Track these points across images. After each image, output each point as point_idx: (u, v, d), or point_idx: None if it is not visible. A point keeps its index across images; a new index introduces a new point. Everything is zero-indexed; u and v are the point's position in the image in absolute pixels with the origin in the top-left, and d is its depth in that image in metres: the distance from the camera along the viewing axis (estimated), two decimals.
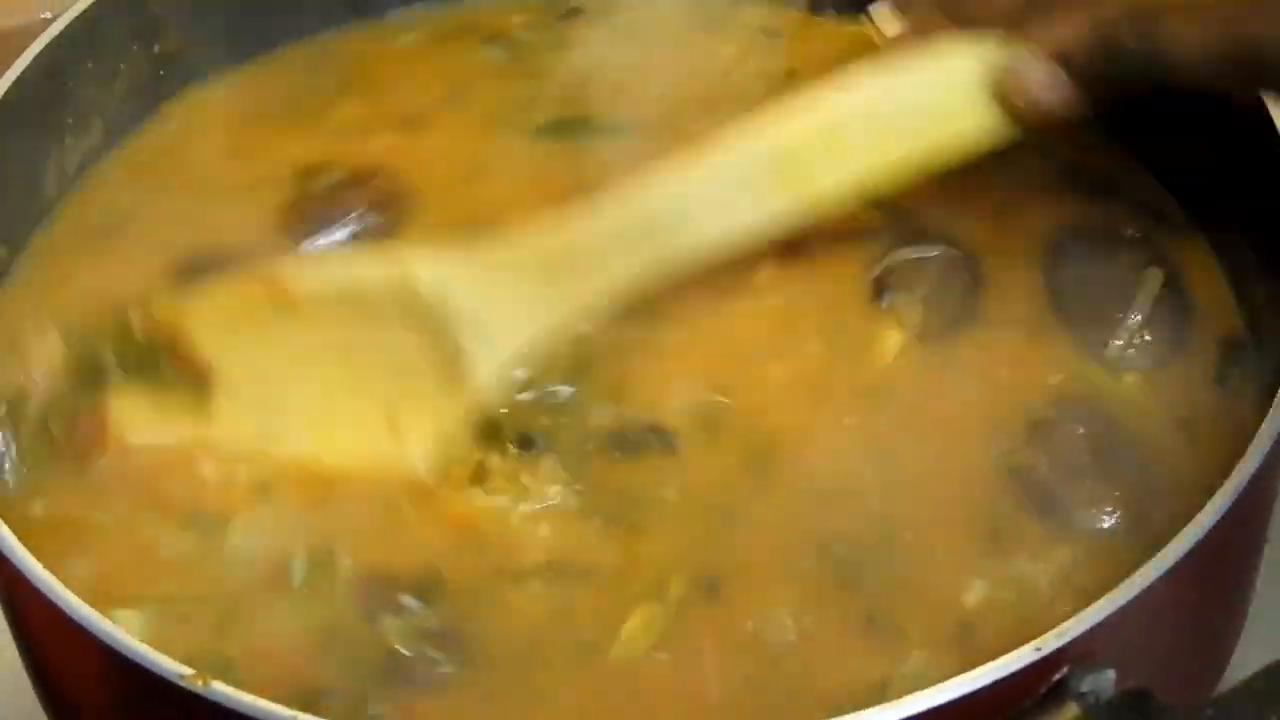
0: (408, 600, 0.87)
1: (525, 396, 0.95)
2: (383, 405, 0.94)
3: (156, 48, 1.11)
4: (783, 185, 0.93)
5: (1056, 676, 0.77)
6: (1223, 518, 0.80)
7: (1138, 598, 0.78)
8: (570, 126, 1.10)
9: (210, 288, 0.96)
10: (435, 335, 0.94)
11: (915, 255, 1.00)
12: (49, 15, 1.13)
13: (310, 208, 1.05)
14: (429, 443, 0.93)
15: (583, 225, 0.95)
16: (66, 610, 0.80)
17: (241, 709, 0.75)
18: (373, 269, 0.95)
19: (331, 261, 1.02)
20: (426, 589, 0.88)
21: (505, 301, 0.94)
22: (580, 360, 0.96)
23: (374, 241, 1.03)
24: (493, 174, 1.08)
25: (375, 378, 0.95)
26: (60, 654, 0.88)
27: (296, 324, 0.94)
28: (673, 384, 0.96)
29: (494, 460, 0.92)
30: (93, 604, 0.80)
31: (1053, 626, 0.77)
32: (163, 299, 0.96)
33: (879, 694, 0.82)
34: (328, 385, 0.95)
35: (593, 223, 0.94)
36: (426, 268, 0.94)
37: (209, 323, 0.94)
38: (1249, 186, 0.98)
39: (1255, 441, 0.83)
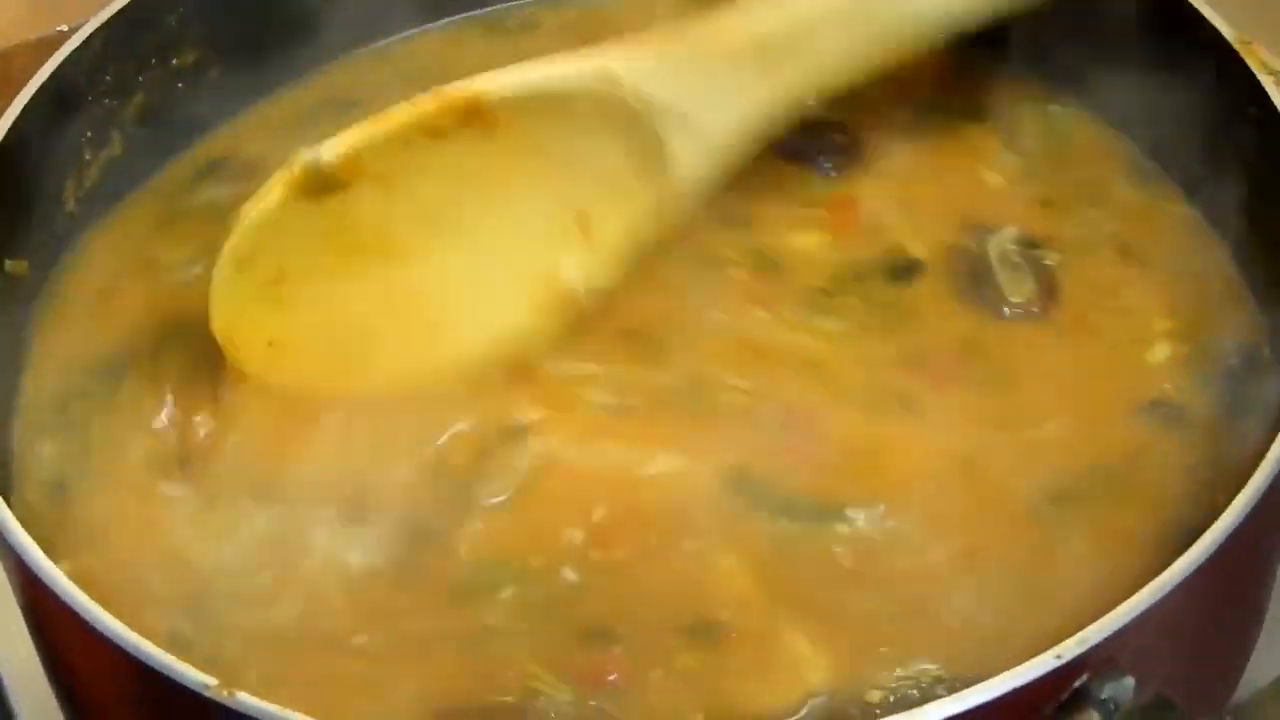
0: None
1: None
2: (573, 209, 0.92)
3: (174, 61, 1.11)
4: None
5: (1076, 683, 0.77)
6: (1240, 525, 0.81)
7: (1157, 605, 0.78)
8: None
9: (392, 112, 0.92)
10: (634, 132, 0.90)
11: None
12: (65, 29, 1.13)
13: None
14: (619, 240, 0.91)
15: (797, 5, 0.92)
16: (90, 620, 0.80)
17: (267, 719, 0.76)
18: (570, 67, 0.92)
19: (526, 66, 0.94)
20: None
21: (713, 91, 0.91)
22: None
23: None
24: None
25: (568, 182, 0.92)
26: (84, 663, 0.88)
27: (486, 142, 0.91)
28: None
29: None
30: None
31: None
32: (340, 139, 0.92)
33: None
34: (512, 202, 0.92)
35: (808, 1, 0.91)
36: (627, 61, 0.91)
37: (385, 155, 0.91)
38: None
39: (1271, 449, 0.84)
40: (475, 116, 0.90)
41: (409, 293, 0.94)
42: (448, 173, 0.92)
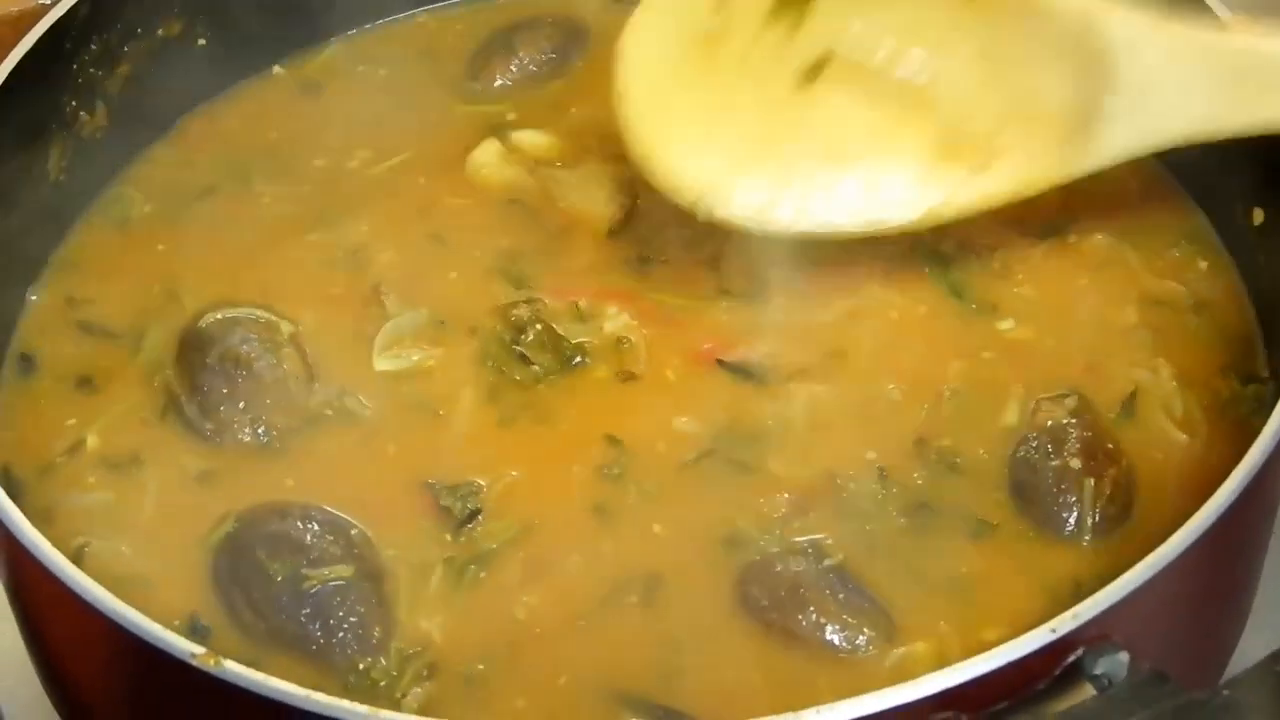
0: None
1: None
2: (993, 116, 0.93)
3: (160, 31, 1.11)
4: None
5: (1071, 658, 0.77)
6: (1234, 502, 0.81)
7: (1151, 581, 0.78)
8: None
9: None
10: (1082, 80, 0.91)
11: None
12: (47, 1, 1.12)
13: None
14: (1016, 170, 0.92)
15: None
16: (75, 588, 0.79)
17: (253, 688, 0.75)
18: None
19: None
20: None
21: (1180, 85, 0.90)
22: None
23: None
24: None
25: (1002, 80, 0.93)
26: (67, 635, 0.87)
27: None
28: None
29: None
30: None
31: None
32: None
33: None
34: (944, 70, 0.94)
35: None
36: (1123, 16, 0.90)
37: None
38: None
39: (1266, 428, 0.84)
40: None
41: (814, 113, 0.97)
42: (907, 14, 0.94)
